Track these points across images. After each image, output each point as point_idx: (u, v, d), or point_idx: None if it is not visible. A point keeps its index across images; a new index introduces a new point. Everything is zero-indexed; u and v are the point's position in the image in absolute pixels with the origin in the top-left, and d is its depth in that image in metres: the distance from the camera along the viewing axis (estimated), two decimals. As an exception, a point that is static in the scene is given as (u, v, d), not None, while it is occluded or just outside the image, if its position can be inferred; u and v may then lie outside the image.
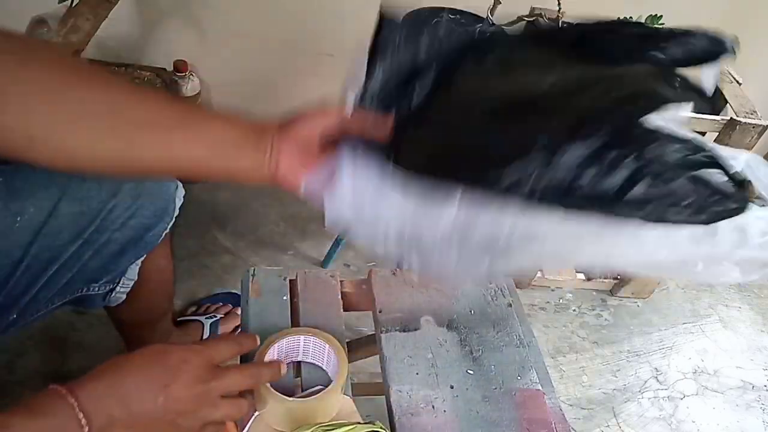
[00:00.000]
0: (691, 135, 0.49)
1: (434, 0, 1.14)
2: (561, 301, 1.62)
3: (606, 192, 0.44)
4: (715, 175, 0.46)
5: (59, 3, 1.16)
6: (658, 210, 0.44)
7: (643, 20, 0.93)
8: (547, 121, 0.48)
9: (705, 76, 0.53)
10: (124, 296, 0.90)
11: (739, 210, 0.45)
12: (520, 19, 1.08)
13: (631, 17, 0.93)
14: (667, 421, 1.40)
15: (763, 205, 0.47)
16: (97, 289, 0.85)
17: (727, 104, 1.32)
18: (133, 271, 0.89)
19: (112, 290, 0.88)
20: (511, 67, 0.56)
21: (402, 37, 0.55)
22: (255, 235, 1.58)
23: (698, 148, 0.47)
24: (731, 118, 1.26)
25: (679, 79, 0.53)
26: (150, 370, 0.54)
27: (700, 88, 0.53)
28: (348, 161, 0.53)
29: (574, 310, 1.60)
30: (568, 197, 0.45)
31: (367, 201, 0.52)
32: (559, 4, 1.02)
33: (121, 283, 0.88)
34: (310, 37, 1.64)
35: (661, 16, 0.92)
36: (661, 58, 0.52)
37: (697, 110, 0.48)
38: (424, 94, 0.55)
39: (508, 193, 0.45)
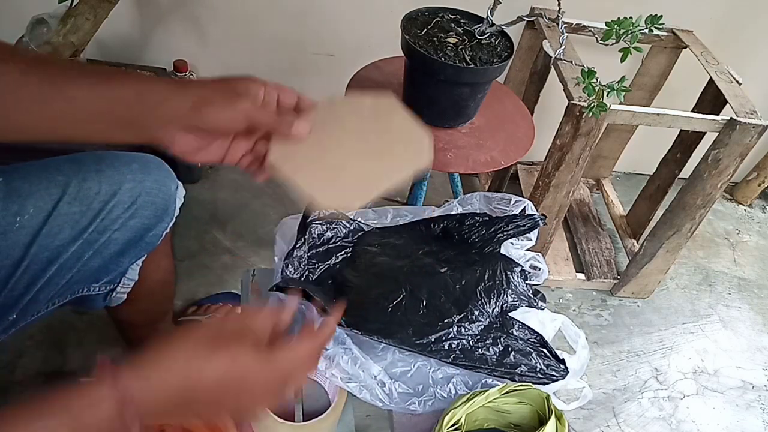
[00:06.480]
0: (537, 328, 0.76)
1: (439, 2, 1.15)
2: (561, 301, 1.62)
3: (490, 358, 0.71)
4: (551, 354, 0.74)
5: (59, 3, 1.16)
6: (523, 373, 0.71)
7: (643, 20, 0.93)
8: (449, 301, 0.74)
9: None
10: (125, 296, 0.90)
11: (563, 375, 0.71)
12: (520, 18, 1.08)
13: (630, 17, 0.93)
14: (667, 421, 1.40)
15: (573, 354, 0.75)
16: (97, 289, 0.85)
17: (727, 104, 1.32)
18: (133, 272, 0.89)
19: (112, 290, 0.87)
20: (404, 251, 0.79)
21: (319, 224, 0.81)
22: (255, 235, 1.58)
23: (542, 338, 0.75)
24: (731, 118, 1.26)
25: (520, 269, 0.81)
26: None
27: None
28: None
29: (574, 310, 1.60)
30: (467, 359, 0.69)
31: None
32: (559, 3, 1.02)
33: (121, 283, 0.88)
34: (310, 37, 1.64)
35: (661, 16, 0.92)
36: (501, 237, 0.81)
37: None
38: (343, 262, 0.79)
39: (431, 354, 0.69)
